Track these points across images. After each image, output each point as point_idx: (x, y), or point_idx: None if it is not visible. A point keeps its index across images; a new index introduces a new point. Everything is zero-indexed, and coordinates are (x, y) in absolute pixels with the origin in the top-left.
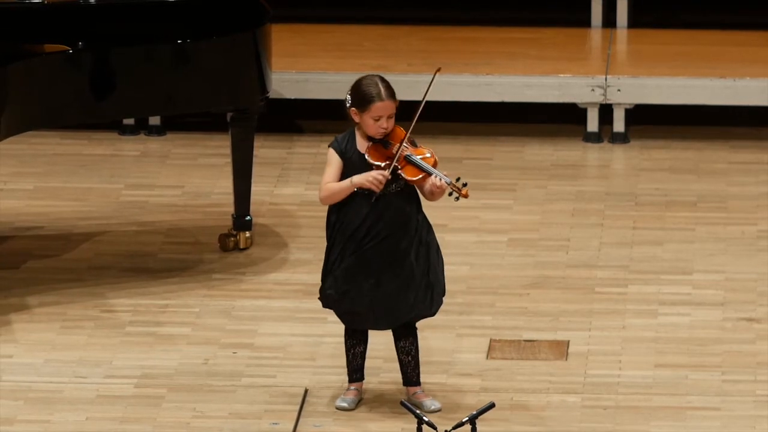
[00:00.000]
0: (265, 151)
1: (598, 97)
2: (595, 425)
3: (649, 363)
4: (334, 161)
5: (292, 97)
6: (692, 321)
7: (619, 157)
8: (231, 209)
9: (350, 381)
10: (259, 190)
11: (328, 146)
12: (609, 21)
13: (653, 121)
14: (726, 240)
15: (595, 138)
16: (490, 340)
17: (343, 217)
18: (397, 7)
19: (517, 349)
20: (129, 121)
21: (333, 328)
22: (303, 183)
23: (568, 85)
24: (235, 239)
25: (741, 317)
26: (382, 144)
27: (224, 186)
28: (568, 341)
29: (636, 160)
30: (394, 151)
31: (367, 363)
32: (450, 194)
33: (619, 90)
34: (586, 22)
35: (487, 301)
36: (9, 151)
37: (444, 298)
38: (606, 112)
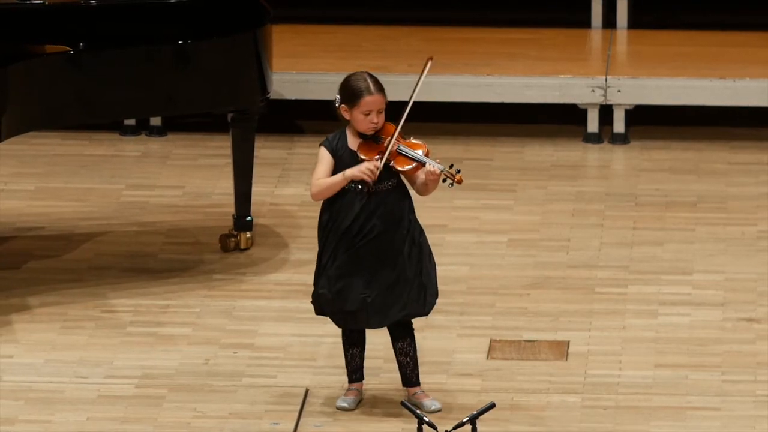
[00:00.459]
0: (266, 151)
1: (598, 98)
2: (595, 425)
3: (649, 363)
4: (325, 158)
5: (293, 98)
6: (692, 321)
7: (619, 157)
8: (232, 210)
9: (350, 381)
10: (259, 190)
11: (319, 145)
12: (609, 22)
13: (653, 122)
14: (726, 240)
15: (595, 138)
16: (491, 340)
17: (335, 215)
18: (398, 7)
19: (518, 349)
20: (130, 122)
21: (333, 328)
22: (303, 183)
23: (568, 86)
24: (236, 240)
25: (741, 317)
26: (373, 140)
27: (225, 186)
28: (569, 341)
29: (636, 161)
30: (385, 145)
31: (367, 363)
32: (444, 181)
33: (619, 91)
34: (586, 23)
35: (487, 301)
36: (10, 151)
37: (438, 300)
38: (606, 112)
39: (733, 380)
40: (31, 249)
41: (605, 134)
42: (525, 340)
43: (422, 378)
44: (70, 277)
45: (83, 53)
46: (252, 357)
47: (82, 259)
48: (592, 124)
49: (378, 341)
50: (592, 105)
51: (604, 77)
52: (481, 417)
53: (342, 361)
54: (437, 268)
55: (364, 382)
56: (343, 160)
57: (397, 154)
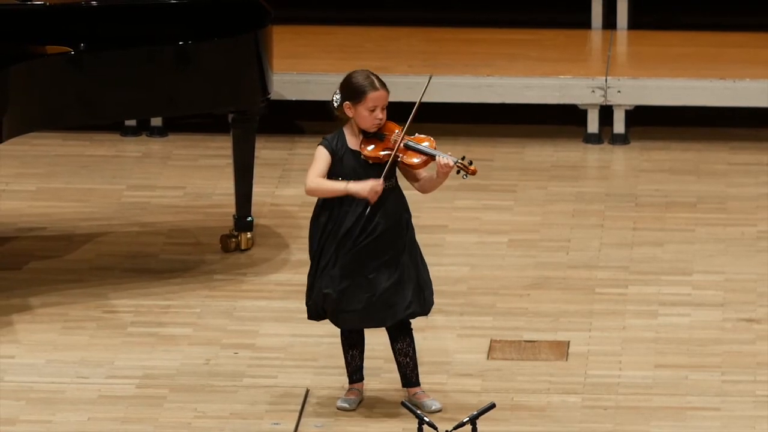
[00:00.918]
0: (266, 152)
1: (598, 99)
2: (596, 425)
3: (649, 363)
4: (323, 157)
5: (293, 99)
6: (692, 321)
7: (619, 158)
8: (232, 210)
9: (351, 382)
10: (260, 191)
11: (318, 145)
12: (609, 22)
13: (653, 123)
14: (726, 241)
15: (595, 139)
16: (491, 340)
17: (336, 216)
18: (398, 8)
19: (518, 349)
20: (131, 123)
21: (334, 328)
22: (304, 184)
23: (568, 87)
24: (237, 240)
25: (741, 318)
26: (376, 137)
27: (225, 187)
28: (569, 342)
29: (636, 161)
30: (391, 142)
31: (368, 364)
32: (458, 172)
33: (619, 91)
34: (586, 24)
35: (487, 301)
36: (11, 152)
37: (438, 300)
38: (606, 113)
39: (733, 380)
40: (32, 249)
41: (605, 135)
42: (525, 341)
43: (422, 378)
44: (72, 278)
45: (84, 54)
46: (253, 357)
47: (83, 260)
48: (593, 125)
49: (378, 342)
50: (593, 105)
51: (604, 78)
52: (481, 417)
53: (342, 362)
54: (438, 268)
55: (364, 382)
56: (343, 160)
57: (406, 149)
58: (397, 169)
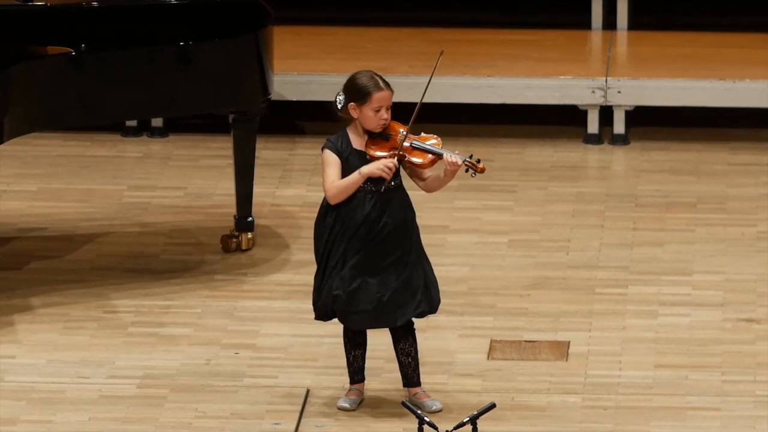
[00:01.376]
0: (267, 152)
1: (598, 99)
2: (596, 425)
3: (649, 363)
4: (332, 161)
5: (294, 99)
6: (692, 321)
7: (619, 158)
8: (233, 210)
9: (352, 382)
10: (260, 191)
11: (322, 149)
12: (609, 23)
13: (653, 123)
14: (726, 241)
15: (595, 139)
16: (491, 340)
17: (344, 216)
18: (399, 9)
19: (518, 349)
20: (131, 123)
21: (334, 328)
22: (304, 184)
23: (568, 87)
24: (237, 240)
25: (741, 318)
26: (381, 137)
27: (226, 187)
28: (569, 342)
29: (636, 162)
30: (397, 141)
31: (368, 364)
32: (466, 171)
33: (619, 92)
34: (586, 24)
35: (487, 301)
36: (12, 152)
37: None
38: (606, 113)
39: (733, 380)
40: (33, 250)
41: (605, 135)
42: (525, 341)
43: (423, 378)
44: (72, 278)
45: (85, 54)
46: (253, 357)
47: (83, 260)
48: (593, 125)
49: (379, 342)
50: (593, 106)
51: (604, 78)
52: (481, 417)
53: (343, 362)
54: (438, 268)
55: (365, 382)
56: (349, 161)
57: (412, 148)
58: (402, 169)
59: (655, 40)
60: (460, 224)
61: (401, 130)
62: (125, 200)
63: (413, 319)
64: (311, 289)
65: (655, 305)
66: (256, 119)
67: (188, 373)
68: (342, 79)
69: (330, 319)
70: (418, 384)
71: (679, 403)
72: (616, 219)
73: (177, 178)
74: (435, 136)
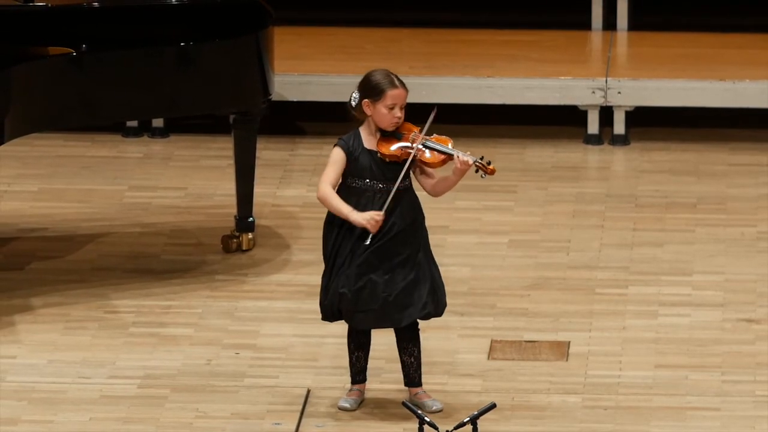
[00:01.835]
0: (268, 153)
1: (598, 100)
2: (596, 425)
3: (649, 363)
4: (338, 160)
5: (295, 100)
6: (692, 322)
7: (619, 158)
8: (234, 211)
9: (353, 383)
10: (261, 191)
11: (334, 145)
12: (609, 24)
13: (653, 123)
14: (726, 241)
15: (595, 140)
16: (491, 340)
17: None
18: (399, 9)
19: (518, 349)
20: (132, 123)
21: (335, 329)
22: (305, 185)
23: (568, 88)
24: (238, 240)
25: (740, 318)
26: (394, 136)
27: (227, 188)
28: (569, 342)
29: (636, 162)
30: (410, 141)
31: (369, 364)
32: (476, 171)
33: (619, 92)
34: (586, 25)
35: (488, 302)
36: (13, 152)
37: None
38: (606, 114)
39: (732, 380)
40: (34, 250)
41: (605, 135)
42: (526, 341)
43: (423, 378)
44: (73, 278)
45: (86, 55)
46: (254, 357)
47: (84, 260)
48: (593, 126)
49: (380, 342)
50: (593, 106)
51: (604, 79)
52: (482, 417)
53: (344, 362)
54: (439, 268)
55: (366, 383)
56: (359, 160)
57: (424, 148)
58: (411, 170)
59: (655, 41)
60: (460, 224)
61: (414, 130)
62: (126, 200)
63: (417, 320)
64: (312, 289)
65: (655, 305)
66: (256, 120)
67: (189, 373)
68: (342, 80)
69: (336, 319)
70: (419, 384)
71: (679, 403)
72: (617, 219)
73: (178, 179)
74: (447, 137)
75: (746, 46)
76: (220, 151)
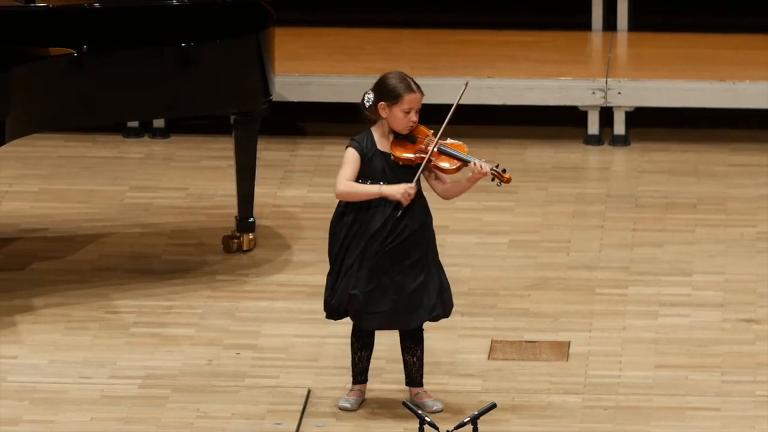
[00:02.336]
0: (268, 153)
1: (598, 100)
2: (596, 425)
3: (649, 364)
4: (353, 160)
5: (295, 100)
6: (692, 322)
7: (619, 159)
8: (234, 211)
9: (354, 383)
10: (262, 192)
11: (347, 147)
12: (609, 24)
13: (653, 124)
14: (725, 242)
15: (595, 140)
16: (492, 341)
17: (363, 217)
18: (399, 10)
19: (518, 349)
20: (133, 124)
21: (336, 329)
22: (306, 185)
23: (569, 88)
24: (239, 241)
25: (740, 318)
26: (408, 139)
27: (228, 188)
28: (569, 342)
29: (636, 163)
30: (423, 145)
31: (370, 364)
32: (492, 180)
33: (619, 93)
34: (586, 26)
35: (488, 302)
36: (14, 153)
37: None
38: (607, 114)
39: (732, 381)
40: (35, 250)
41: (606, 136)
42: (526, 341)
43: (424, 378)
44: (74, 278)
45: (86, 56)
46: (255, 357)
47: (85, 261)
48: (593, 126)
49: (381, 342)
50: (593, 107)
51: (604, 79)
52: (482, 417)
53: (344, 362)
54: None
55: (367, 383)
56: (372, 161)
57: (440, 152)
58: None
59: (655, 42)
60: (460, 225)
61: (428, 133)
62: (127, 201)
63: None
64: (313, 289)
65: (655, 306)
66: (257, 120)
67: (190, 374)
68: (342, 81)
69: (341, 318)
70: (420, 384)
71: (679, 403)
72: (617, 220)
73: (178, 179)
74: (461, 143)
75: (746, 47)
76: (221, 151)
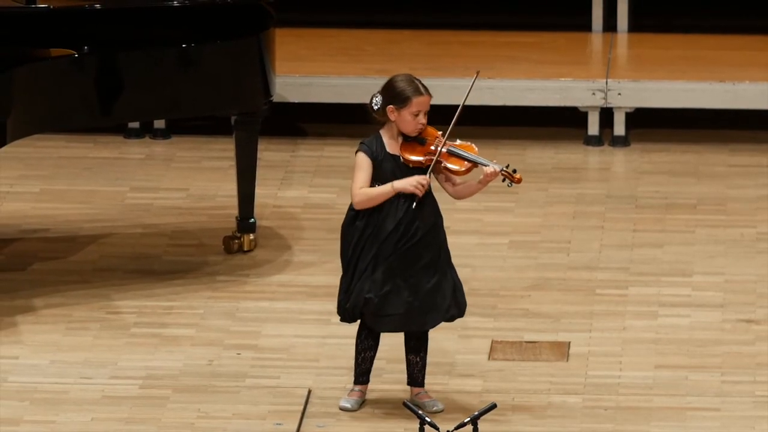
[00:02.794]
0: (269, 154)
1: (598, 101)
2: (596, 426)
3: (649, 364)
4: (365, 165)
5: (296, 101)
6: (692, 322)
7: (619, 160)
8: (235, 212)
9: (356, 383)
10: (262, 192)
11: (356, 151)
12: (609, 25)
13: (653, 125)
14: (725, 242)
15: (595, 141)
16: (492, 341)
17: (375, 221)
18: (400, 11)
19: (519, 350)
20: (134, 125)
21: (336, 329)
22: (306, 186)
23: (569, 89)
24: (239, 241)
25: (740, 318)
26: (417, 142)
27: (228, 189)
28: (569, 342)
29: (636, 163)
30: (432, 147)
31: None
32: (503, 180)
33: (619, 93)
34: (586, 27)
35: (488, 302)
36: (15, 154)
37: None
38: (607, 115)
39: (732, 381)
40: (36, 251)
41: (606, 137)
42: (526, 341)
43: (425, 379)
44: (75, 279)
45: (88, 57)
46: (255, 358)
47: (86, 261)
48: (593, 127)
49: (382, 342)
50: (593, 108)
51: (604, 80)
52: (482, 417)
53: (344, 362)
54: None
55: (368, 384)
56: (382, 165)
57: (449, 154)
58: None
59: (655, 43)
60: (461, 225)
61: (437, 135)
62: (128, 202)
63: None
64: (313, 290)
65: (655, 306)
66: (258, 121)
67: (191, 374)
68: (343, 81)
69: (355, 321)
70: (421, 384)
71: (679, 404)
72: (617, 220)
73: (179, 180)
74: (471, 144)
75: (746, 48)
76: (222, 152)
